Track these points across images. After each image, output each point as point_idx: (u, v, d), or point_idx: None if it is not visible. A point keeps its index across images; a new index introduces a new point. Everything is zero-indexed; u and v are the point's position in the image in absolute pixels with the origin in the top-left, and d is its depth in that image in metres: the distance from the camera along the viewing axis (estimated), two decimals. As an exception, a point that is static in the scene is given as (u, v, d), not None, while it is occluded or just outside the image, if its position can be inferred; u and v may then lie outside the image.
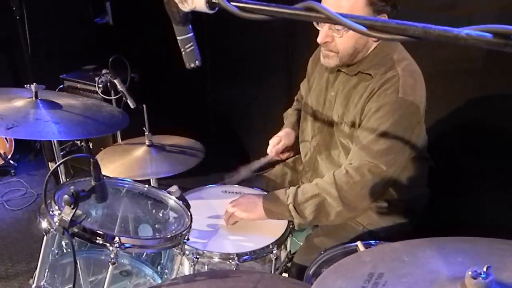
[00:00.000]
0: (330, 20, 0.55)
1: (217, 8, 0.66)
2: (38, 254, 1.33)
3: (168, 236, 1.32)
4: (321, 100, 1.73)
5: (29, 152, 3.57)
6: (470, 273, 0.74)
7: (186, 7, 0.71)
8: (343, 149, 1.65)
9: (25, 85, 1.73)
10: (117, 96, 2.50)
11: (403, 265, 0.88)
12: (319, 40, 1.54)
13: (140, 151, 1.92)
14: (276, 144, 1.87)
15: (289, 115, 2.01)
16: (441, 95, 1.88)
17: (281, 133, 1.91)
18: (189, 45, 0.78)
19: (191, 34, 0.77)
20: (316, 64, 1.82)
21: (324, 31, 1.52)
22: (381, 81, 1.51)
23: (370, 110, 1.50)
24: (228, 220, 1.63)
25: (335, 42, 1.53)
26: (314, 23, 1.54)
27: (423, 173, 1.72)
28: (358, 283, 0.83)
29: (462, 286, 0.76)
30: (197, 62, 0.79)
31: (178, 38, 0.78)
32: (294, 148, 1.93)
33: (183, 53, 0.79)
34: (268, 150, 1.89)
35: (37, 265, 1.33)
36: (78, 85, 3.07)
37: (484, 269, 0.74)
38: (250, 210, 1.60)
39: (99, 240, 1.23)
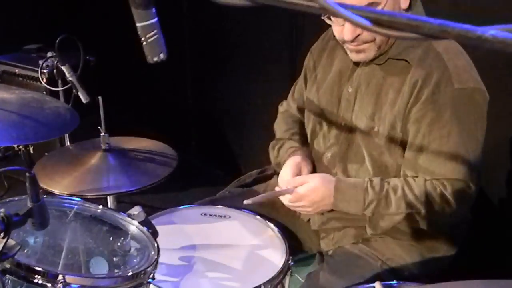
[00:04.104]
0: (326, 11, 0.57)
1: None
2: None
3: (129, 274, 1.33)
4: (334, 99, 1.74)
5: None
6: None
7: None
8: (372, 162, 1.65)
9: None
10: (65, 87, 2.50)
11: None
12: (347, 37, 1.53)
13: (94, 158, 1.93)
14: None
15: (288, 148, 1.87)
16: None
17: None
18: (152, 33, 0.79)
19: (154, 20, 0.79)
20: (319, 58, 1.84)
21: (348, 26, 1.50)
22: (424, 70, 1.53)
23: (426, 116, 1.53)
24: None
25: (365, 32, 1.51)
26: (325, 19, 1.55)
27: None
28: None
29: None
30: (161, 55, 0.81)
31: (137, 25, 0.79)
32: None
33: (144, 43, 0.80)
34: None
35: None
36: (17, 70, 3.08)
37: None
38: (317, 209, 1.68)
39: (38, 279, 1.23)
